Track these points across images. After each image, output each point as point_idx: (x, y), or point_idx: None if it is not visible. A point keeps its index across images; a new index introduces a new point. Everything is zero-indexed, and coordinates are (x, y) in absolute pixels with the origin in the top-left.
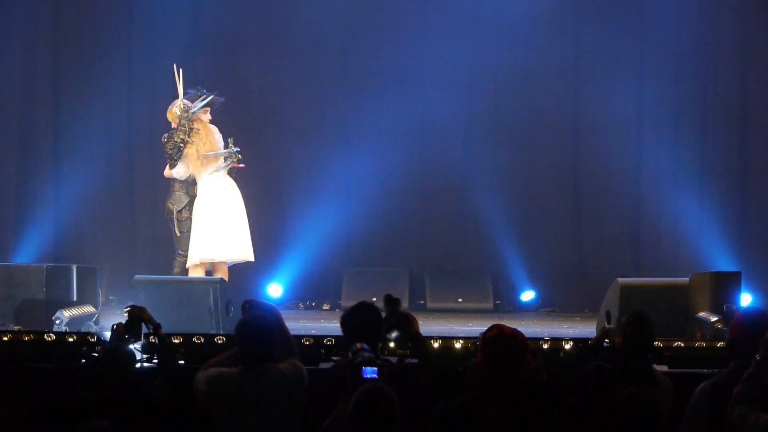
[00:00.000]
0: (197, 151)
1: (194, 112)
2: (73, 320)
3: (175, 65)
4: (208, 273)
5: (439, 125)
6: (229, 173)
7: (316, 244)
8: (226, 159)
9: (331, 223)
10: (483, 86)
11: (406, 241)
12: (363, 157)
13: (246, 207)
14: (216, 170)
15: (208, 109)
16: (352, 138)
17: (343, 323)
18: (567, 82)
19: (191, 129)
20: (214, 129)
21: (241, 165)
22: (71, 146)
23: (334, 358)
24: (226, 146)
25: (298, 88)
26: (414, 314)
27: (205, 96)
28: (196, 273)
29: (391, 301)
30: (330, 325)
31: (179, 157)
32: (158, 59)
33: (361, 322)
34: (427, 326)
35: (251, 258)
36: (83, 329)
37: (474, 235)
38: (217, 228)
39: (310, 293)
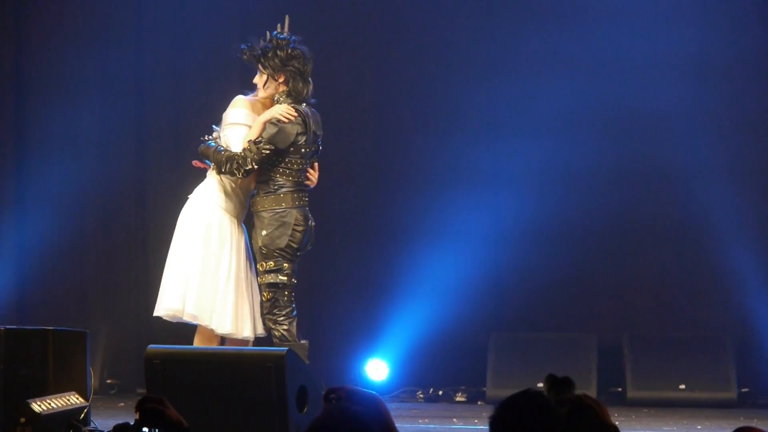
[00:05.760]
0: None
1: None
2: (48, 418)
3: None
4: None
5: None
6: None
7: (442, 297)
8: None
9: (468, 264)
10: None
11: (592, 292)
12: (519, 152)
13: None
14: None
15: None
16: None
17: (496, 425)
18: None
19: None
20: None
21: (203, 165)
22: (41, 142)
23: None
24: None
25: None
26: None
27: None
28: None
29: (556, 384)
30: (469, 428)
31: None
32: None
33: (523, 423)
34: (628, 428)
35: (179, 316)
36: None
37: (704, 283)
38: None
39: (435, 375)
